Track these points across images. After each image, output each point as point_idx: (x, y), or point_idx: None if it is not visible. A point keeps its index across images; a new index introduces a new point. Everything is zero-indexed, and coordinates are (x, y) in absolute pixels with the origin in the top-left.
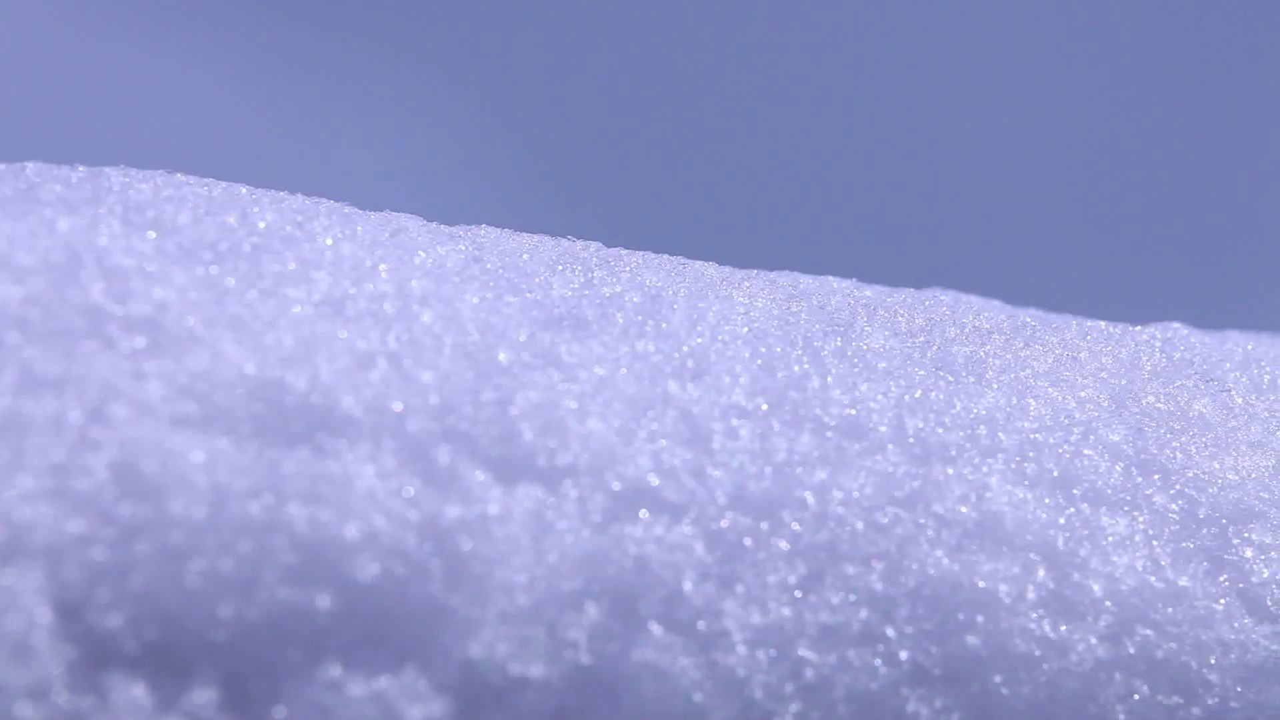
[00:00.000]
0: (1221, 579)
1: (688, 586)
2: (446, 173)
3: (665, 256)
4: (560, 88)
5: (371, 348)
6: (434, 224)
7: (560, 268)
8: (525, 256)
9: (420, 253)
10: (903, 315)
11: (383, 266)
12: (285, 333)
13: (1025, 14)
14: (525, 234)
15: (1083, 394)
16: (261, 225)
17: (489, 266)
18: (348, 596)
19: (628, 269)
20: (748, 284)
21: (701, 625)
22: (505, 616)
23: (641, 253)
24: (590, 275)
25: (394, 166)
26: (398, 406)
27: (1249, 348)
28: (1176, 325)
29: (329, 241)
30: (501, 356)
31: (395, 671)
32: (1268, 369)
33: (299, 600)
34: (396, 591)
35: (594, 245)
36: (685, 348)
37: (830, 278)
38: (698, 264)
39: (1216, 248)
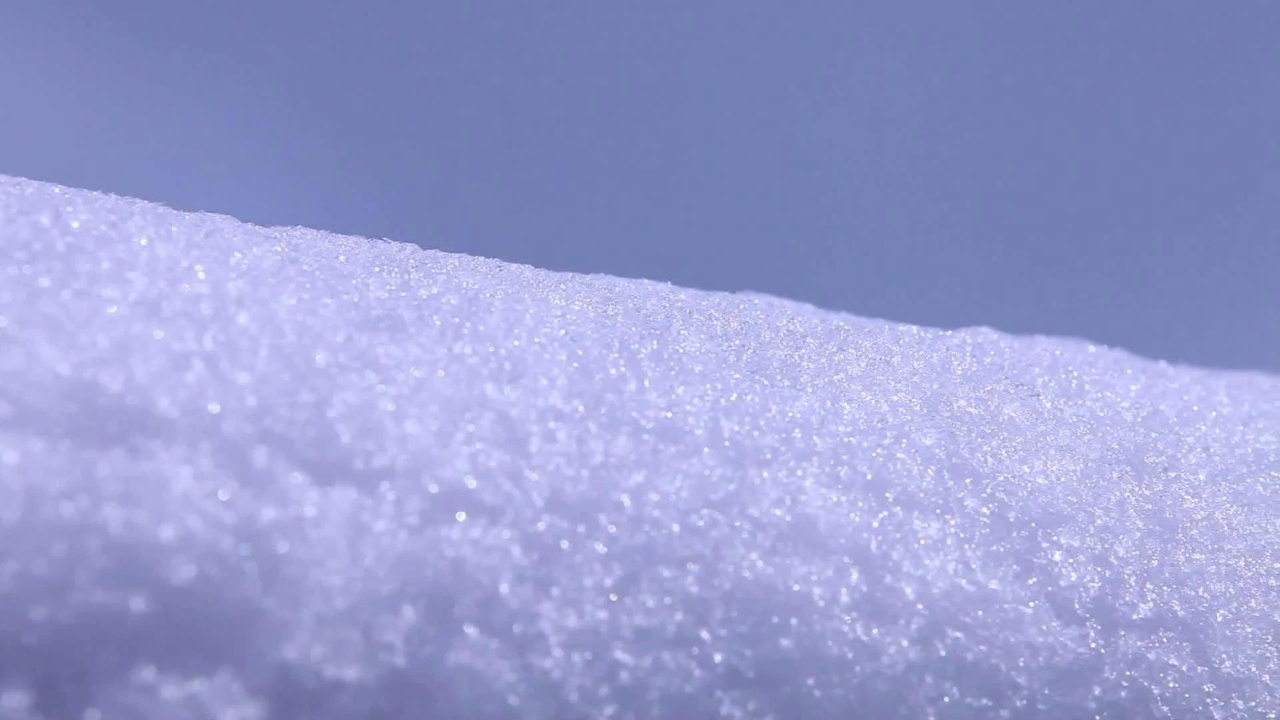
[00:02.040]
0: (1030, 582)
1: (504, 589)
2: (261, 173)
3: (481, 259)
4: (374, 87)
5: (187, 349)
6: (249, 225)
7: (377, 269)
8: (341, 258)
9: (236, 253)
10: (718, 319)
11: (198, 267)
12: (100, 333)
13: (836, 16)
14: (341, 235)
15: (895, 398)
16: (75, 225)
17: (305, 268)
18: (162, 599)
19: (444, 271)
20: (564, 286)
21: (517, 628)
22: (321, 619)
23: (458, 255)
24: (407, 277)
25: (208, 166)
26: (214, 408)
27: (1057, 353)
28: (986, 330)
29: (144, 241)
30: (318, 358)
31: (209, 674)
32: (1075, 374)
33: (113, 603)
34: (211, 594)
35: (410, 247)
36: (502, 350)
37: (645, 281)
38: (514, 266)
39: (1024, 252)
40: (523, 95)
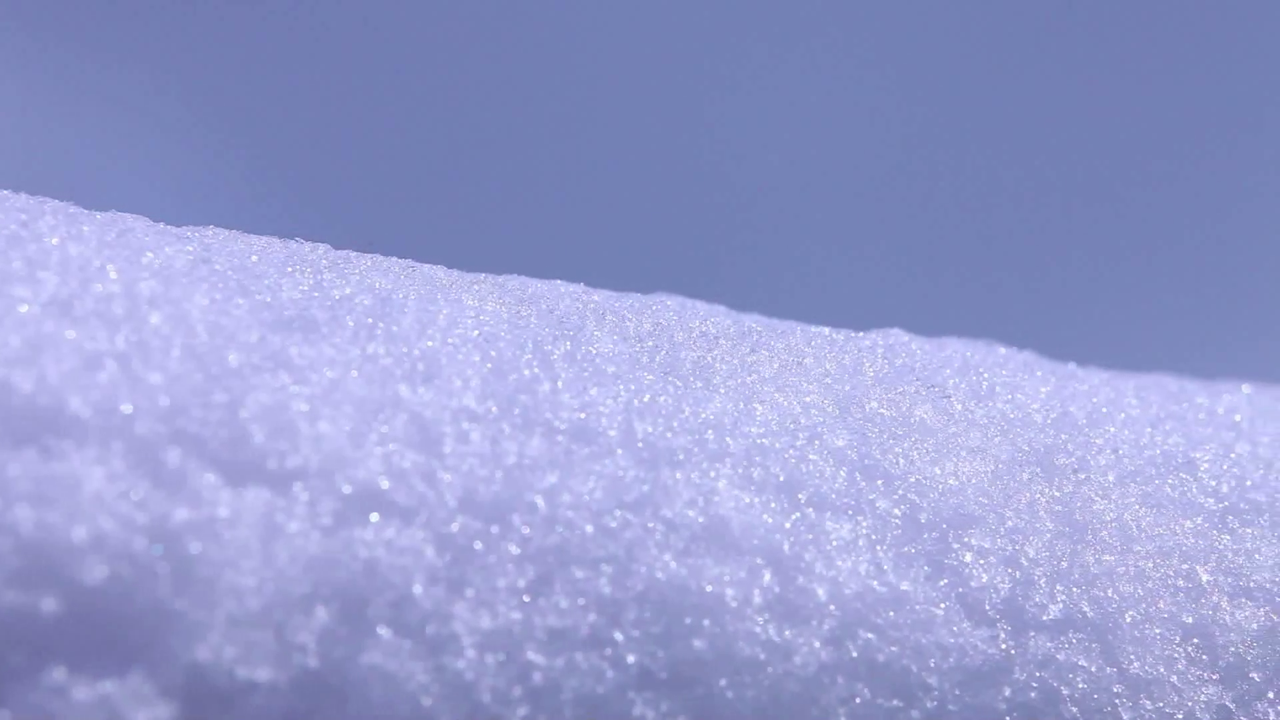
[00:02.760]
0: (941, 583)
1: (417, 590)
2: (173, 172)
3: (394, 259)
4: (287, 87)
5: (100, 349)
6: (161, 224)
7: (290, 269)
8: (254, 258)
9: (148, 253)
10: (631, 320)
11: (110, 267)
12: (11, 333)
13: (746, 17)
14: (254, 235)
15: (808, 399)
16: None
17: (218, 268)
18: (74, 599)
19: (357, 271)
20: (477, 287)
21: (430, 629)
22: (233, 620)
23: (371, 255)
24: (320, 277)
25: (120, 166)
26: (126, 408)
27: (968, 354)
28: (897, 332)
29: (55, 241)
30: (231, 358)
31: (121, 675)
32: (986, 375)
33: (24, 603)
34: (124, 595)
35: (322, 247)
36: (416, 351)
37: (559, 282)
38: (427, 267)
39: (934, 253)
40: (434, 96)
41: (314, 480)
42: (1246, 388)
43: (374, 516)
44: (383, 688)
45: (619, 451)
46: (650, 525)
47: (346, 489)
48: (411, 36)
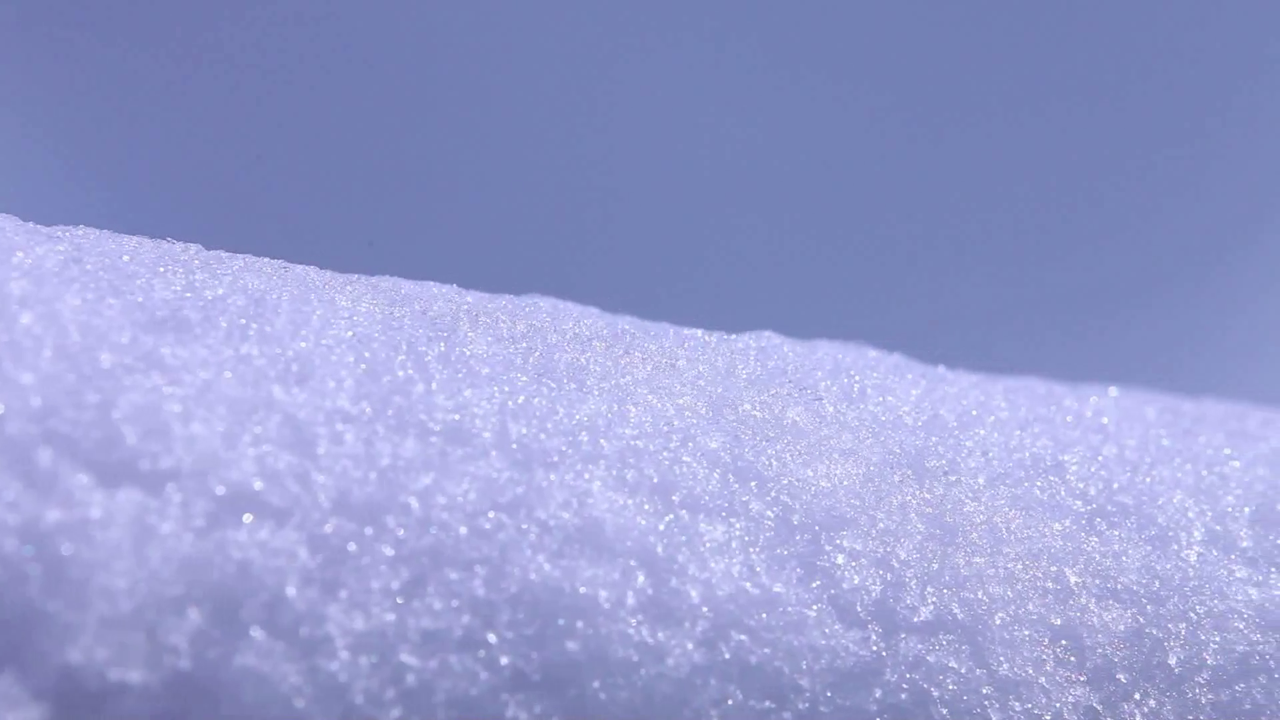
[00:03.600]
0: (814, 585)
1: (291, 591)
2: (42, 172)
3: (266, 260)
4: (155, 86)
5: None
6: (30, 224)
7: (161, 269)
8: (126, 258)
9: (18, 253)
10: (505, 321)
11: None
12: None
13: (606, 16)
14: (125, 235)
15: (681, 401)
16: None
17: (89, 268)
18: None
19: (230, 272)
20: (350, 288)
21: (304, 631)
22: (105, 621)
23: (243, 255)
24: (192, 278)
25: None
26: None
27: (839, 357)
28: (769, 334)
29: None
30: (103, 359)
31: None
32: (857, 378)
33: None
34: None
35: (194, 247)
36: (289, 352)
37: (431, 283)
38: (299, 268)
39: (805, 255)
40: (304, 94)
41: (187, 481)
42: (1113, 391)
43: (247, 518)
44: (255, 689)
45: (493, 453)
46: (524, 527)
47: (220, 490)
48: (278, 32)
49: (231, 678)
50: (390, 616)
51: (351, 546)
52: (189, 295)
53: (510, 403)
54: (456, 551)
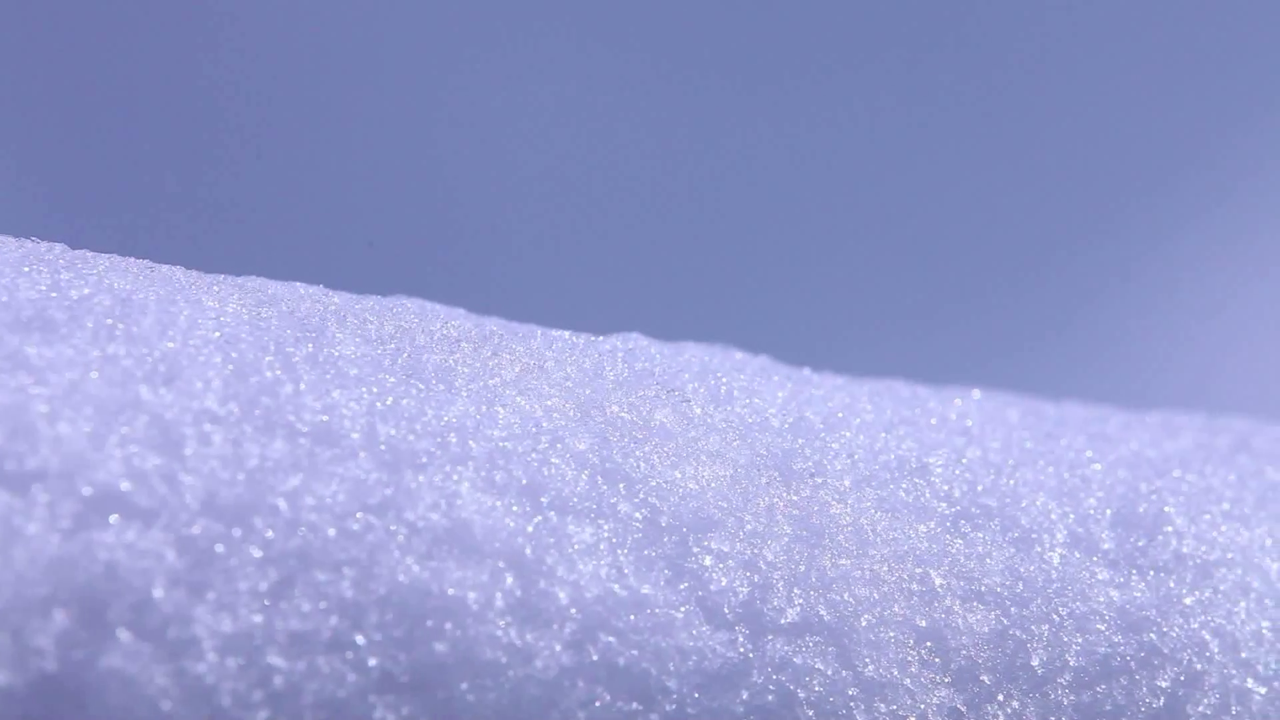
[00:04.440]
0: (682, 587)
1: (158, 593)
2: None
3: (132, 259)
4: (14, 85)
5: None
6: None
7: (26, 269)
8: None
9: None
10: (372, 322)
11: None
12: None
13: (459, 16)
14: None
15: (549, 403)
16: None
17: None
18: None
19: (95, 271)
20: (217, 288)
21: (171, 632)
22: None
23: (108, 255)
24: (57, 277)
25: None
26: None
27: (705, 359)
28: (636, 336)
29: None
30: None
31: None
32: (724, 380)
33: None
34: None
35: (59, 247)
36: (157, 352)
37: (298, 283)
38: (165, 268)
39: (670, 257)
40: (167, 93)
41: (53, 482)
42: (976, 393)
43: (114, 519)
44: (122, 692)
45: (362, 454)
46: (393, 528)
47: (86, 491)
48: (127, 31)
49: (98, 680)
50: (258, 618)
51: (219, 548)
52: (54, 295)
53: (379, 404)
54: (325, 553)
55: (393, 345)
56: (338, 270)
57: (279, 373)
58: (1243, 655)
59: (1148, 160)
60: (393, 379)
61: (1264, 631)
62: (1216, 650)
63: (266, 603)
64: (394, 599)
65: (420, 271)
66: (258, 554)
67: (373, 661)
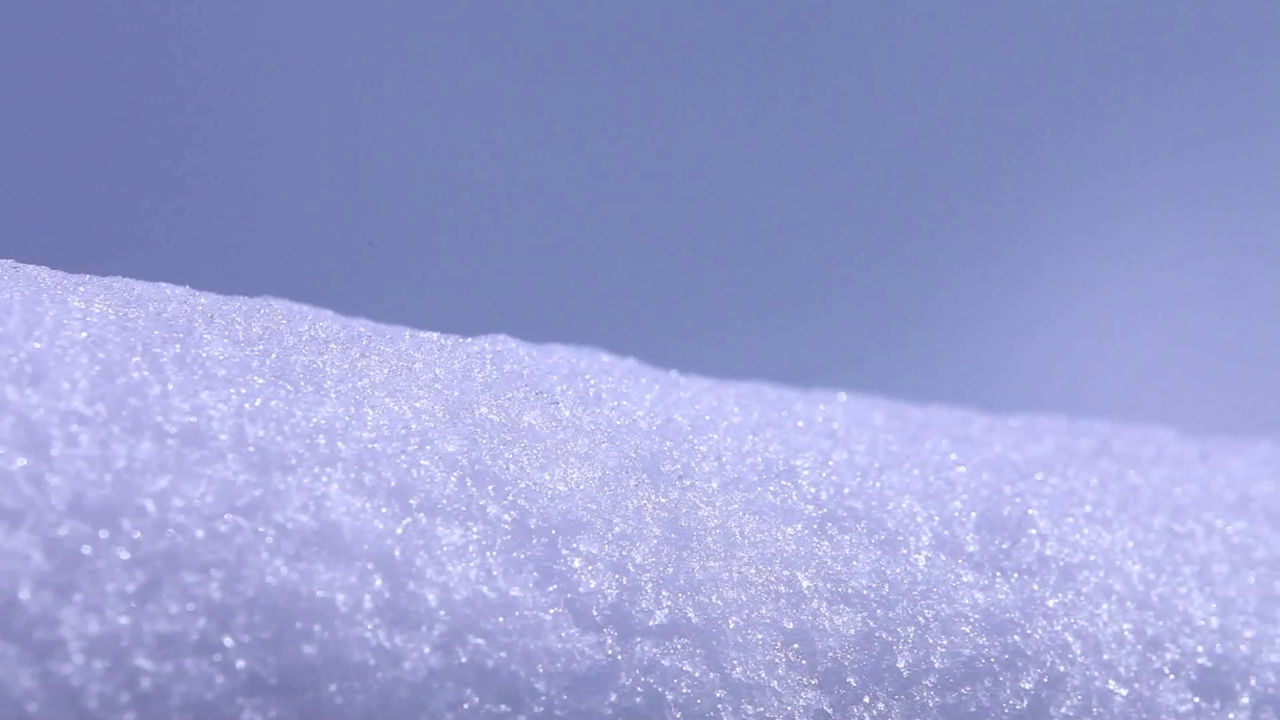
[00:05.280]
0: (550, 589)
1: (24, 595)
2: None
3: None
4: None
5: None
6: None
7: None
8: None
9: None
10: (240, 323)
11: None
12: None
13: (324, 15)
14: None
15: (418, 404)
16: None
17: None
18: None
19: None
20: (83, 289)
21: (37, 634)
22: None
23: None
24: None
25: None
26: None
27: (574, 361)
28: (504, 338)
29: None
30: None
31: None
32: (592, 382)
33: None
34: None
35: None
36: (22, 353)
37: (164, 284)
38: (30, 268)
39: (535, 259)
40: (37, 93)
41: None
42: (842, 396)
43: None
44: None
45: (230, 456)
46: (261, 530)
47: None
48: (19, 30)
49: None
50: (125, 620)
51: (86, 549)
52: None
53: (247, 405)
54: (193, 554)
55: (261, 346)
56: (201, 270)
57: (146, 374)
58: (1105, 657)
59: (1021, 164)
60: (261, 380)
61: (1125, 633)
62: (1079, 652)
63: (134, 604)
64: (262, 601)
65: (285, 272)
66: (125, 555)
67: (241, 663)
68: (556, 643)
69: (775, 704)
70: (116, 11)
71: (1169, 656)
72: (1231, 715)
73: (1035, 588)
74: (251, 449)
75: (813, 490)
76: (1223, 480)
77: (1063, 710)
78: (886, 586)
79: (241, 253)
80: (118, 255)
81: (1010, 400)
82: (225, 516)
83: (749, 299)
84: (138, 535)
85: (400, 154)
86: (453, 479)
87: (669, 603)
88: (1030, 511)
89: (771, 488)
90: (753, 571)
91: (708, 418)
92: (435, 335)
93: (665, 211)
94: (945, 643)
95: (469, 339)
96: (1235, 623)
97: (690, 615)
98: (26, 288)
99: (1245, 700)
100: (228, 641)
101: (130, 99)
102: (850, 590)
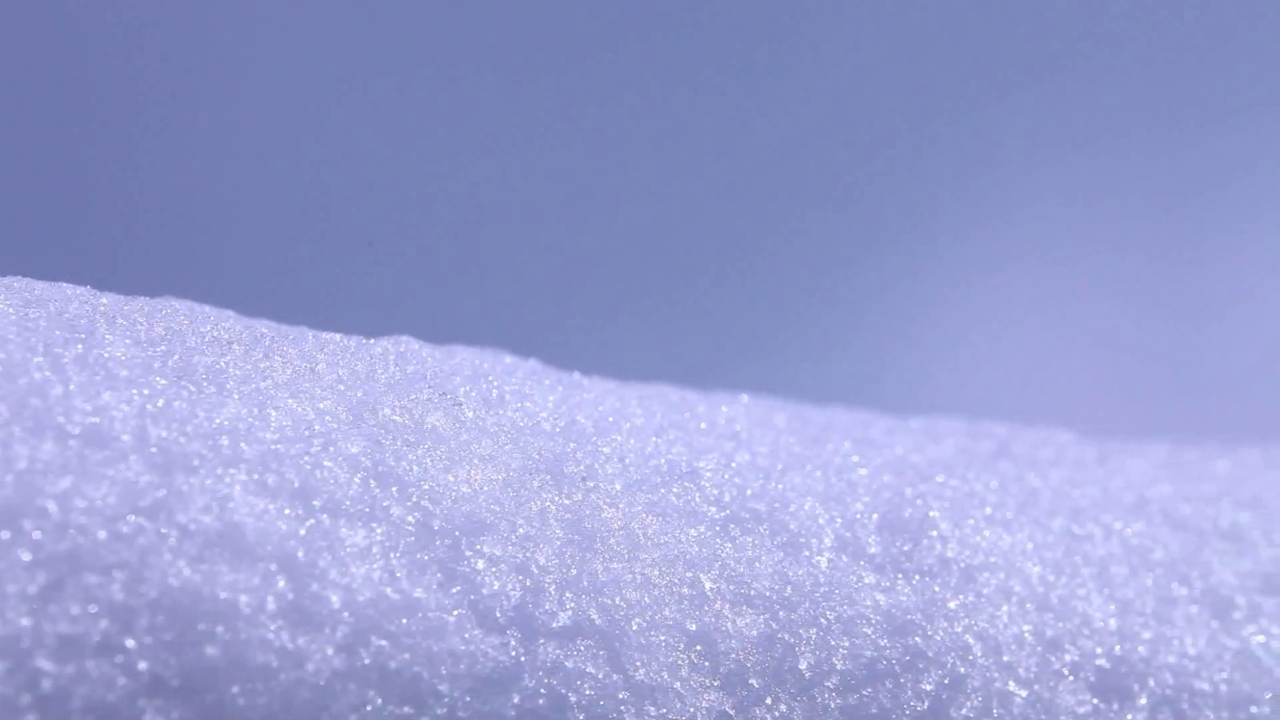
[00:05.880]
0: (454, 591)
1: None
2: None
3: None
4: None
5: None
6: None
7: None
8: None
9: None
10: (142, 323)
11: None
12: None
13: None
14: None
15: (322, 405)
16: None
17: None
18: None
19: None
20: None
21: None
22: None
23: None
24: None
25: None
26: None
27: (477, 363)
28: (408, 339)
29: None
30: None
31: None
32: (496, 383)
33: None
34: None
35: None
36: None
37: (65, 284)
38: None
39: (437, 261)
40: None
41: None
42: (744, 398)
43: None
44: None
45: (133, 456)
46: (164, 531)
47: None
48: None
49: None
50: (26, 621)
51: None
52: None
53: (150, 406)
54: (95, 556)
55: (163, 347)
56: (102, 271)
57: (48, 374)
58: (1005, 658)
59: (916, 161)
60: (164, 381)
61: (1025, 635)
62: (979, 653)
63: (35, 606)
64: (165, 602)
65: (186, 272)
66: (26, 557)
67: (143, 665)
68: (460, 644)
69: (678, 705)
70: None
71: (1068, 658)
72: (1129, 716)
73: (936, 589)
74: (154, 450)
75: (716, 492)
76: (1121, 482)
77: (963, 711)
78: (789, 588)
79: (142, 253)
80: (17, 256)
81: (909, 402)
82: (128, 517)
83: (648, 300)
84: (39, 536)
85: (299, 153)
86: (356, 480)
87: (572, 604)
88: (931, 513)
89: (675, 489)
90: (656, 573)
91: (611, 419)
92: (338, 336)
93: (565, 213)
94: (847, 644)
95: (372, 340)
96: (1133, 624)
97: (593, 617)
98: None
99: (1143, 701)
100: (130, 643)
101: (24, 97)
102: (753, 592)
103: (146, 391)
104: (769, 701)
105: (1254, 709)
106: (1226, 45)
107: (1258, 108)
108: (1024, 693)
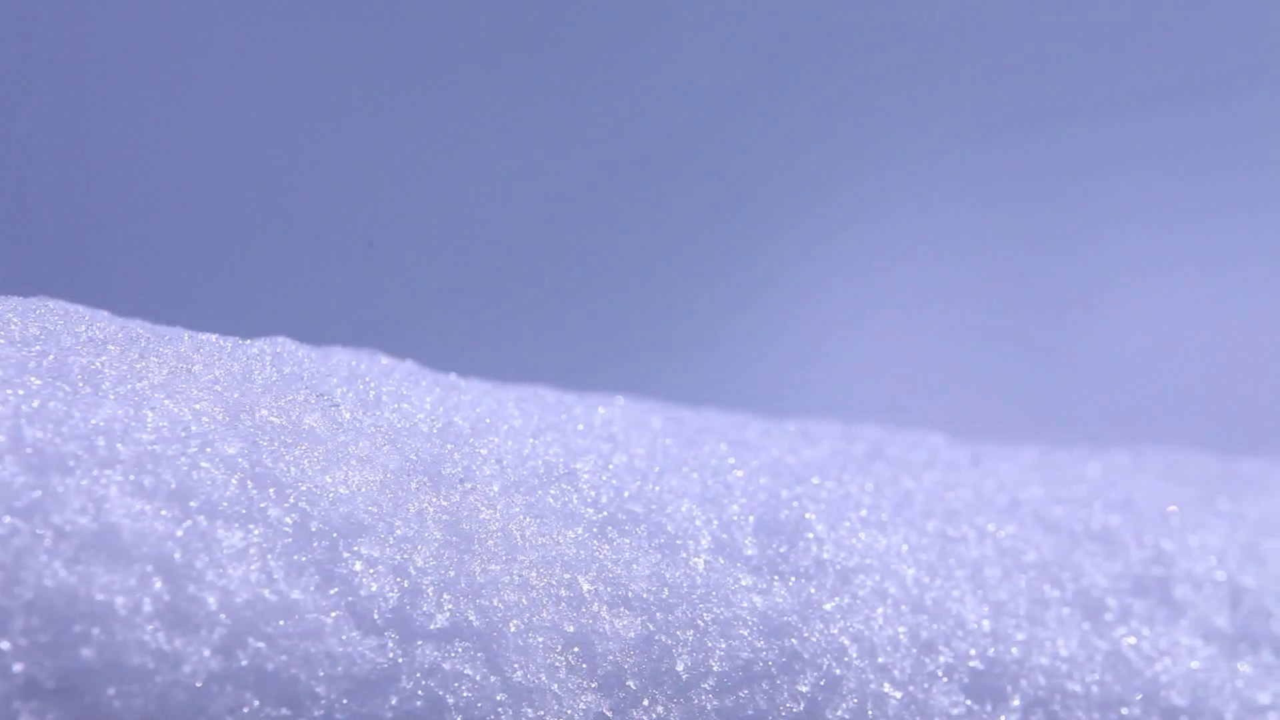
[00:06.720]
0: (332, 592)
1: None
2: None
3: None
4: None
5: None
6: None
7: None
8: None
9: None
10: (16, 323)
11: None
12: None
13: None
14: None
15: (198, 406)
16: None
17: None
18: None
19: None
20: None
21: None
22: None
23: None
24: None
25: None
26: None
27: (353, 364)
28: (284, 340)
29: None
30: None
31: None
32: (372, 384)
33: None
34: None
35: None
36: None
37: None
38: None
39: (311, 260)
40: None
41: None
42: (620, 400)
43: None
44: None
45: (8, 457)
46: (40, 532)
47: None
48: None
49: None
50: None
51: None
52: None
53: (24, 406)
54: None
55: (38, 347)
56: None
57: None
58: (880, 660)
59: (788, 161)
60: (39, 381)
61: (900, 637)
62: (855, 655)
63: None
64: (40, 603)
65: (60, 273)
66: None
67: (18, 667)
68: (337, 646)
69: (556, 707)
70: None
71: (942, 659)
72: (1002, 717)
73: (812, 591)
74: (29, 450)
75: (593, 494)
76: (993, 485)
77: (839, 713)
78: (666, 590)
79: (15, 254)
80: None
81: (781, 402)
82: (2, 519)
83: (524, 301)
84: None
85: (175, 152)
86: (233, 481)
87: (450, 606)
88: (807, 515)
89: (552, 491)
90: (534, 575)
91: (488, 421)
92: (214, 337)
93: (438, 214)
94: (724, 646)
95: (248, 340)
96: (1006, 626)
97: (471, 618)
98: None
99: (1016, 702)
100: (4, 645)
101: None
102: (630, 594)
103: (21, 392)
104: (646, 703)
105: (1125, 710)
106: (1085, 39)
107: (1118, 100)
108: (899, 694)
